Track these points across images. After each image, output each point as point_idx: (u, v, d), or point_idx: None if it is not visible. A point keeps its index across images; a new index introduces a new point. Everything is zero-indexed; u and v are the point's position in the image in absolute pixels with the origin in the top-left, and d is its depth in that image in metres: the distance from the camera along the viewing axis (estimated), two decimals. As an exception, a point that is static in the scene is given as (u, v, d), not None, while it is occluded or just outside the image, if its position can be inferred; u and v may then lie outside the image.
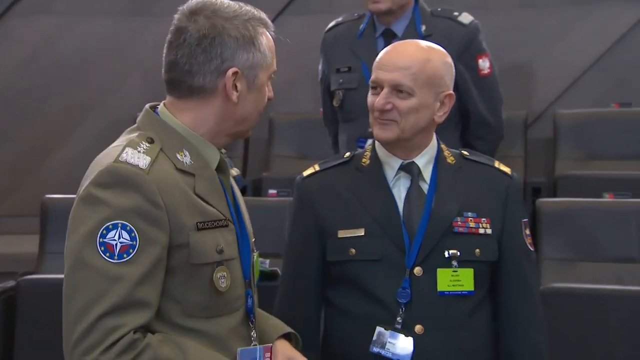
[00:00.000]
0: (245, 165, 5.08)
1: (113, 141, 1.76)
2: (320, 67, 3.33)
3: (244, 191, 4.75)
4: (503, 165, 2.16)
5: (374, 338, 2.01)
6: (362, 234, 2.05)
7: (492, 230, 2.06)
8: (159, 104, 1.78)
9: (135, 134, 1.71)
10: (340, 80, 3.16)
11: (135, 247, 1.60)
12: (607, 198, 3.73)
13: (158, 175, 1.64)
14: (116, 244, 1.60)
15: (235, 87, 1.71)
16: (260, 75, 1.73)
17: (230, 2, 1.75)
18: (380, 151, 2.11)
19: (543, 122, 5.04)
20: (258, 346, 1.77)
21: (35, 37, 5.59)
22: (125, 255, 1.60)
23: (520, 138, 4.74)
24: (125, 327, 1.58)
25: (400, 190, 2.07)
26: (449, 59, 2.11)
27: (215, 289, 1.69)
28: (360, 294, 2.05)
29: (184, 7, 1.73)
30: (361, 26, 3.17)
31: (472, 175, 2.11)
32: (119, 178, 1.62)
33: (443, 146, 2.14)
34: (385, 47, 3.08)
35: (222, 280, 1.69)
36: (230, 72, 1.70)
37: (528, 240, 2.13)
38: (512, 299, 2.10)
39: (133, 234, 1.60)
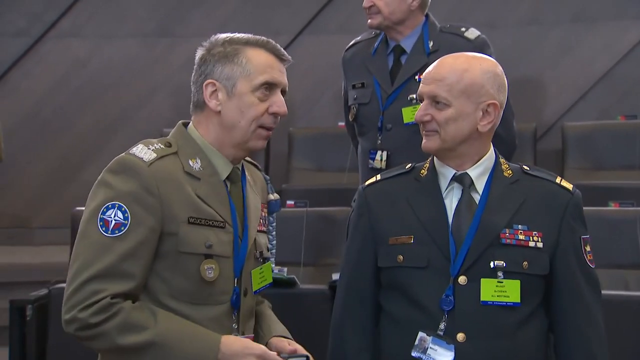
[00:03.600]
0: (267, 178, 5.24)
1: None
2: (343, 83, 3.40)
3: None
4: (565, 181, 2.12)
5: (416, 343, 2.02)
6: (411, 241, 2.06)
7: (544, 244, 2.03)
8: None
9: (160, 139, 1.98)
10: (355, 96, 3.22)
11: (127, 225, 1.83)
12: (613, 207, 3.79)
13: (159, 170, 1.87)
14: (111, 221, 1.83)
15: (217, 97, 1.93)
16: (239, 84, 1.93)
17: (240, 34, 1.98)
18: (437, 162, 2.11)
19: (551, 134, 5.13)
20: (240, 336, 1.92)
21: (66, 60, 5.78)
22: (117, 232, 1.83)
23: (530, 150, 4.80)
24: (105, 292, 1.80)
25: (452, 200, 2.07)
26: (494, 69, 2.07)
27: (202, 278, 1.88)
28: (406, 299, 2.06)
29: None
30: (375, 44, 3.22)
31: (528, 189, 2.08)
32: (124, 167, 1.87)
33: (502, 160, 2.12)
34: (394, 62, 3.21)
35: (210, 271, 1.89)
36: (205, 83, 1.94)
37: (588, 257, 2.07)
38: (567, 315, 2.05)
39: (126, 215, 1.83)
